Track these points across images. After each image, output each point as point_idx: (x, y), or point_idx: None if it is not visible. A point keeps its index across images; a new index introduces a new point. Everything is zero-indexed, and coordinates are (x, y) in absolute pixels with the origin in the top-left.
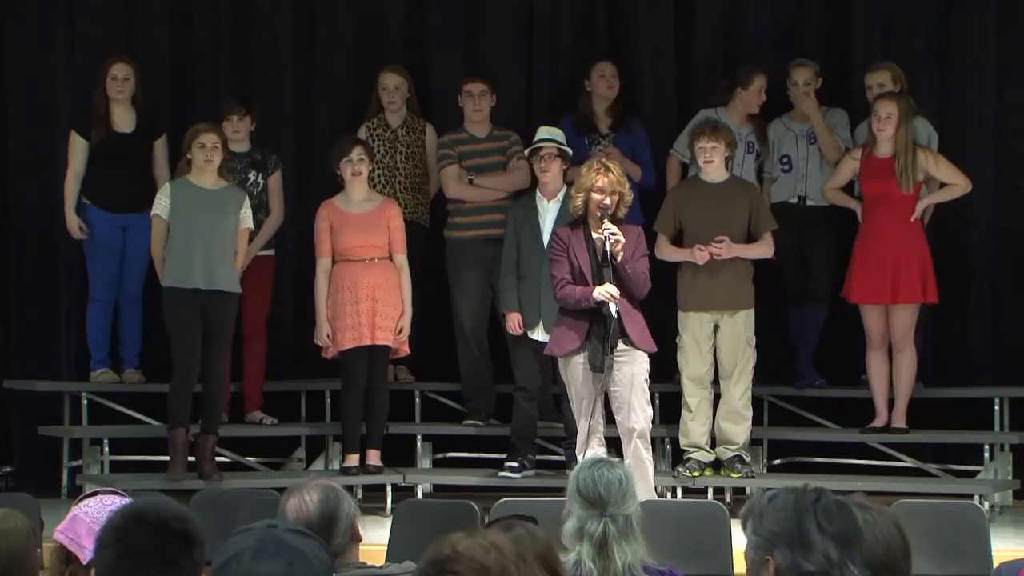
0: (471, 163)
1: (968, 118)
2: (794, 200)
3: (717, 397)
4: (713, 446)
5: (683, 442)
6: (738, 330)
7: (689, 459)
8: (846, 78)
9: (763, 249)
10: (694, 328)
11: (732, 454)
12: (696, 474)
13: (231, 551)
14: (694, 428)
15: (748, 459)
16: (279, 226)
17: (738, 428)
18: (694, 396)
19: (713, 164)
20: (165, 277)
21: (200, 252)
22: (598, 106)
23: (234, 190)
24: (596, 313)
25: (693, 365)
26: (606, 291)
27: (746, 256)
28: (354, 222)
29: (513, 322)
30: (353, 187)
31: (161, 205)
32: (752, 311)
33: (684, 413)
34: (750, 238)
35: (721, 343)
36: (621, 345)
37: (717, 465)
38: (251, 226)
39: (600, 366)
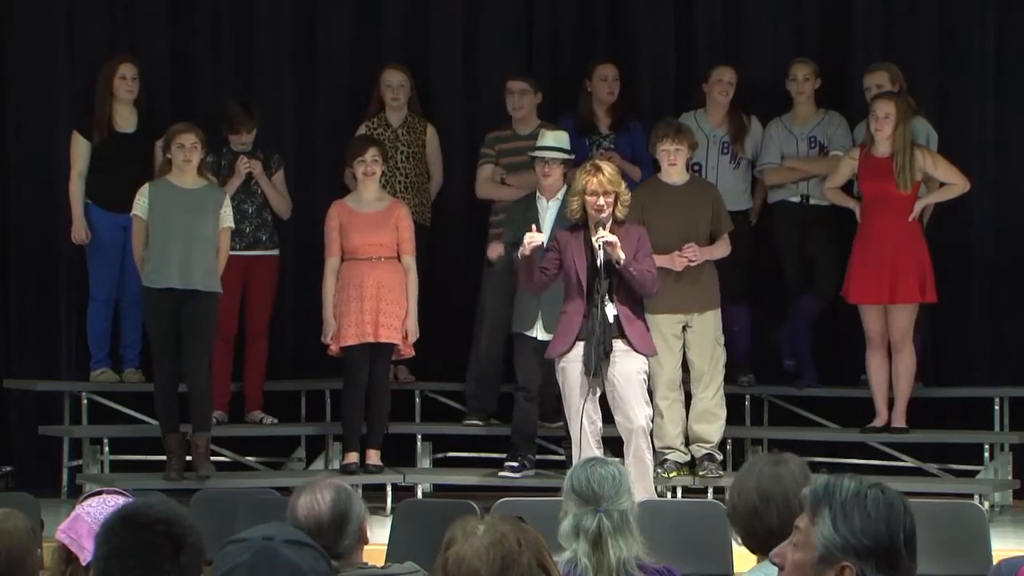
0: (507, 161)
1: (968, 118)
2: (797, 199)
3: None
4: (687, 445)
5: (658, 444)
6: (707, 330)
7: (665, 460)
8: (846, 78)
9: (724, 249)
10: (663, 330)
11: (704, 452)
12: (673, 474)
13: (226, 565)
14: (669, 430)
15: (719, 457)
16: (285, 215)
17: (711, 427)
18: (665, 399)
19: (676, 167)
20: (143, 277)
21: (178, 252)
22: (598, 107)
23: (214, 189)
24: (589, 314)
25: (667, 368)
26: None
27: (711, 258)
28: (363, 221)
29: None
30: (365, 187)
31: (140, 205)
32: (719, 311)
33: (656, 418)
34: (711, 237)
35: (692, 344)
36: (621, 345)
37: (693, 464)
38: (231, 225)
39: (596, 370)
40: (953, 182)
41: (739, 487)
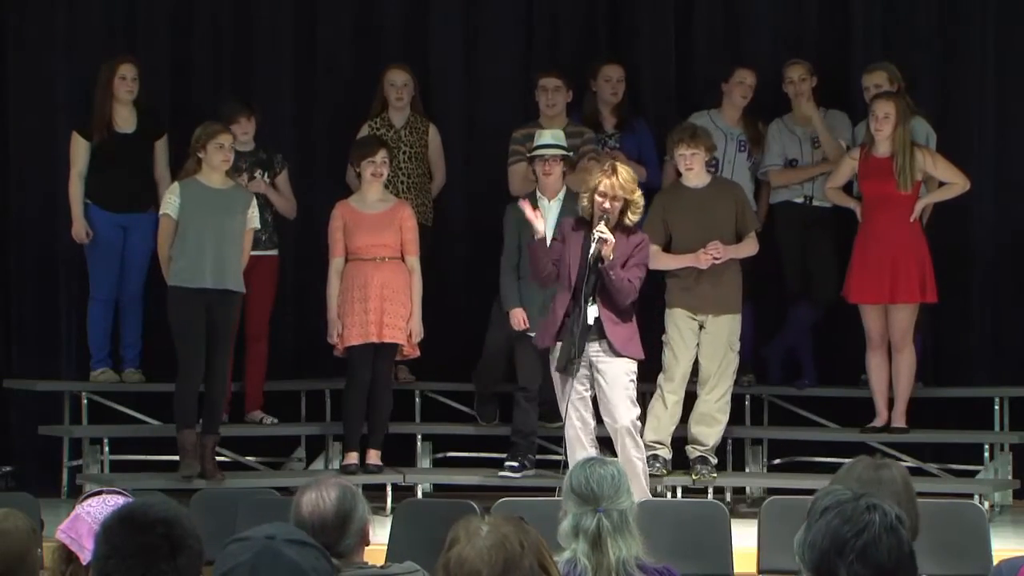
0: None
1: (968, 117)
2: (800, 200)
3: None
4: (680, 444)
5: (650, 437)
6: (722, 333)
7: (657, 455)
8: (846, 78)
9: (750, 248)
10: (679, 324)
11: (698, 454)
12: (664, 473)
13: (228, 564)
14: (666, 426)
15: (714, 461)
16: (291, 216)
17: (710, 431)
18: (674, 395)
19: (694, 170)
20: (171, 276)
21: (211, 251)
22: (602, 107)
23: (242, 190)
24: (575, 317)
25: (682, 362)
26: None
27: (737, 256)
28: (367, 222)
29: (518, 318)
30: (370, 188)
31: (171, 204)
32: (739, 316)
33: (659, 409)
34: (737, 236)
35: (703, 345)
36: (605, 347)
37: (679, 462)
38: (257, 226)
39: (566, 367)
40: (953, 181)
41: (835, 485)
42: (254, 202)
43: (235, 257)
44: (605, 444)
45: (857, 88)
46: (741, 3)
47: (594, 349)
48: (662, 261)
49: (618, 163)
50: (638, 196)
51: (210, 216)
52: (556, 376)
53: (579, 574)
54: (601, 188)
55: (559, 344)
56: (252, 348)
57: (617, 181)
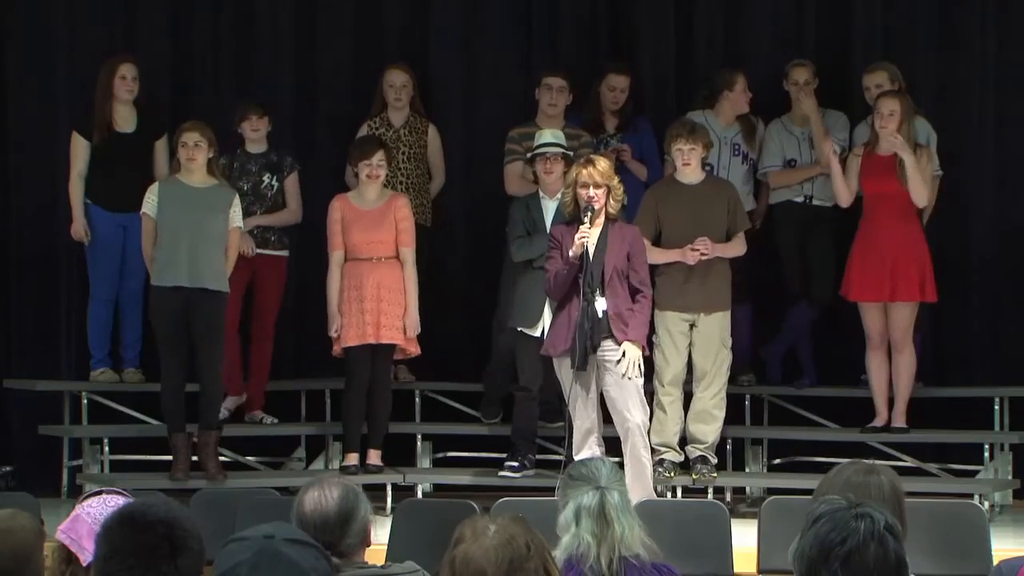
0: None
1: (968, 118)
2: (800, 199)
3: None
4: (682, 445)
5: (656, 440)
6: (713, 331)
7: (663, 460)
8: (846, 78)
9: (737, 248)
10: (671, 326)
11: (699, 453)
12: (671, 475)
13: (227, 564)
14: (669, 427)
15: (714, 460)
16: (294, 223)
17: (708, 428)
18: (669, 396)
19: (690, 166)
20: (152, 276)
21: (186, 250)
22: (605, 108)
23: (223, 189)
24: (584, 312)
25: (673, 364)
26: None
27: (725, 255)
28: (364, 219)
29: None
30: (367, 187)
31: (149, 203)
32: (728, 313)
33: (658, 413)
34: (728, 235)
35: (696, 344)
36: (613, 344)
37: (686, 465)
38: (241, 225)
39: (583, 364)
40: (919, 191)
41: (823, 489)
42: (236, 200)
43: (214, 256)
44: (610, 445)
45: (857, 88)
46: (741, 3)
47: (601, 348)
48: (651, 255)
49: (593, 155)
50: (617, 183)
51: (186, 214)
52: (565, 376)
53: (581, 554)
54: (582, 179)
55: (572, 344)
56: (257, 349)
57: (595, 169)
